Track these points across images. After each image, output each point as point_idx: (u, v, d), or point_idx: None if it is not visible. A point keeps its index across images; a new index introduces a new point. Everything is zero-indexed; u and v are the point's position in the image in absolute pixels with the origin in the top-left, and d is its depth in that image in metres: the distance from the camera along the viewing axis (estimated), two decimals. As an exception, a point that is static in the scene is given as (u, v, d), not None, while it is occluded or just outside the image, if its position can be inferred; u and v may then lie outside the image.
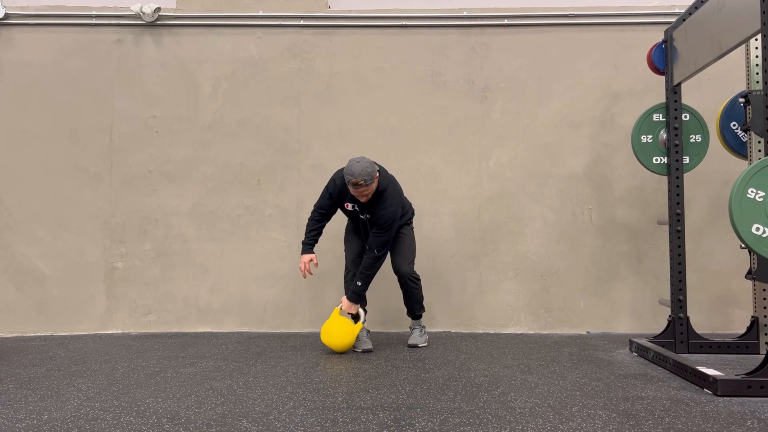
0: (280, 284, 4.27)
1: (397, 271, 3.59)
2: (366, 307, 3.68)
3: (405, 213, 3.65)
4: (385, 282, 3.98)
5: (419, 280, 3.65)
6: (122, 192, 4.30)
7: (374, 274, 3.49)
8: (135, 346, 3.70)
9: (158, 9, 4.30)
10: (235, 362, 3.19)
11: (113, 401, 2.44)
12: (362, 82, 4.29)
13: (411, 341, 3.63)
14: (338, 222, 4.22)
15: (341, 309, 3.48)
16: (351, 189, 3.34)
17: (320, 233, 3.65)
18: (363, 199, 3.41)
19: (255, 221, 4.30)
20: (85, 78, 4.33)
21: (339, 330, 3.41)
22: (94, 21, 4.34)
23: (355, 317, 3.51)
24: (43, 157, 4.29)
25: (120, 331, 4.23)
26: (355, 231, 3.68)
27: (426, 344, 3.64)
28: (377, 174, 3.37)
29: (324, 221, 3.64)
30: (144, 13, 4.28)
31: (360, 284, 3.46)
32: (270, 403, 2.39)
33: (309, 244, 3.61)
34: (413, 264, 3.64)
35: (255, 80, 4.34)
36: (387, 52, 4.32)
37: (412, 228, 3.73)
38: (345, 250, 3.71)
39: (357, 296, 3.49)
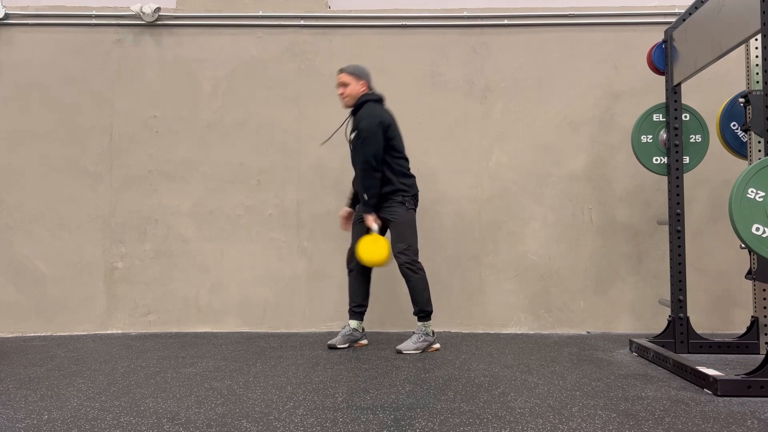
0: (280, 284, 4.27)
1: (395, 259, 3.51)
2: (367, 302, 3.67)
3: (395, 189, 3.51)
4: (384, 282, 3.99)
5: (417, 271, 3.47)
6: (122, 192, 4.30)
7: (369, 186, 3.45)
8: (135, 346, 3.70)
9: (158, 9, 4.30)
10: (235, 362, 3.19)
11: (113, 401, 2.44)
12: (362, 82, 4.30)
13: (399, 345, 3.47)
14: (339, 222, 4.22)
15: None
16: (337, 78, 3.60)
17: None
18: (339, 91, 3.59)
19: (255, 221, 4.30)
20: (85, 78, 4.33)
21: (376, 245, 3.40)
22: (94, 21, 4.34)
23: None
24: (43, 157, 4.29)
25: (120, 331, 4.23)
26: (360, 223, 3.63)
27: (416, 352, 3.42)
28: (363, 81, 3.57)
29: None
30: (144, 13, 4.29)
31: (366, 198, 3.47)
32: (270, 403, 2.39)
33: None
34: (410, 251, 3.48)
35: (255, 80, 4.34)
36: (387, 52, 4.32)
37: (407, 210, 3.52)
38: (351, 241, 3.68)
39: (366, 208, 3.48)
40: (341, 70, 3.59)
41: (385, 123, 3.49)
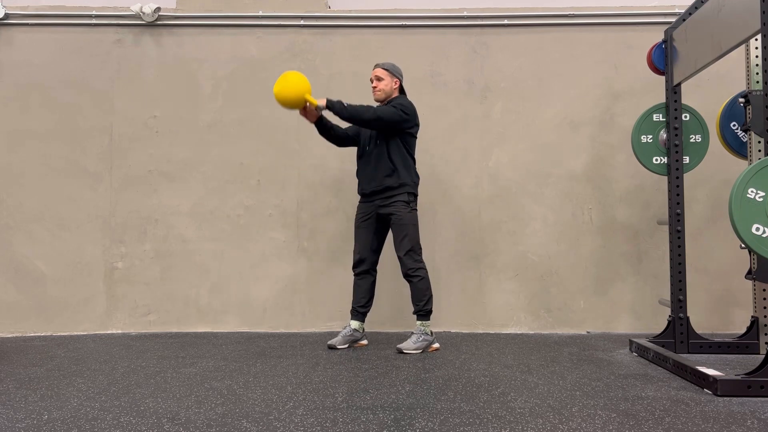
0: (280, 284, 4.27)
1: (399, 261, 3.53)
2: (371, 303, 3.67)
3: (401, 184, 3.53)
4: (384, 282, 3.99)
5: (420, 272, 3.48)
6: (122, 192, 4.30)
7: (359, 117, 3.45)
8: (135, 346, 3.70)
9: (158, 9, 4.30)
10: (235, 362, 3.19)
11: (113, 401, 2.44)
12: (362, 82, 4.28)
13: (399, 344, 3.47)
14: (342, 223, 4.23)
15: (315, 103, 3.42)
16: (372, 72, 3.63)
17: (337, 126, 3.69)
18: (373, 84, 3.61)
19: (255, 221, 4.30)
20: (85, 78, 4.33)
21: (294, 82, 3.32)
22: (94, 21, 4.35)
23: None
24: (43, 157, 4.29)
25: (120, 331, 4.23)
26: (364, 224, 3.65)
27: (417, 351, 3.41)
28: (397, 79, 3.62)
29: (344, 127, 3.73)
30: (144, 13, 4.29)
31: (346, 105, 3.44)
32: (270, 403, 2.39)
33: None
34: (413, 253, 3.48)
35: (255, 80, 4.34)
36: (387, 52, 4.31)
37: (411, 210, 3.53)
38: (354, 243, 3.68)
39: (332, 104, 3.44)
40: (377, 65, 3.65)
41: (415, 117, 3.61)
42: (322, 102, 3.45)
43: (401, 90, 3.68)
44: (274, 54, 4.35)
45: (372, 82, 3.65)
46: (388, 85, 3.62)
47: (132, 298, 4.26)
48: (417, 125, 3.62)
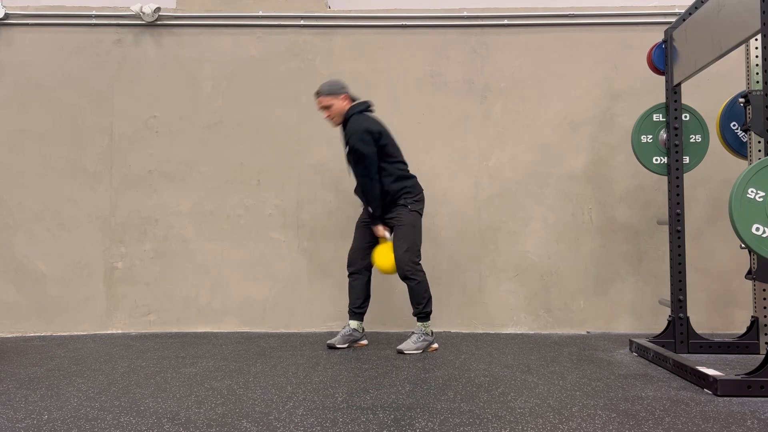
0: (280, 284, 4.27)
1: (396, 261, 3.51)
2: (367, 303, 3.68)
3: (397, 196, 3.50)
4: (384, 281, 3.99)
5: (416, 273, 3.47)
6: (122, 192, 4.30)
7: (371, 197, 3.49)
8: (135, 346, 3.70)
9: (158, 9, 4.30)
10: (235, 362, 3.19)
11: (113, 401, 2.44)
12: (362, 82, 4.27)
13: (399, 345, 3.47)
14: (342, 223, 4.23)
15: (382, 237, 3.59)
16: (317, 103, 3.58)
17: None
18: (325, 115, 3.56)
19: (255, 221, 4.30)
20: (85, 78, 4.33)
21: (389, 253, 3.54)
22: (94, 21, 4.34)
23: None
24: (43, 157, 4.29)
25: (120, 331, 4.23)
26: (363, 224, 3.64)
27: (417, 352, 3.42)
28: (343, 95, 3.52)
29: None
30: (144, 13, 4.29)
31: (370, 210, 3.54)
32: (270, 403, 2.39)
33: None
34: (410, 254, 3.46)
35: (255, 80, 4.34)
36: (387, 52, 4.32)
37: (410, 212, 3.51)
38: (352, 242, 3.69)
39: (374, 218, 3.54)
40: (317, 94, 3.54)
41: (374, 132, 3.47)
42: (387, 232, 3.54)
43: (350, 99, 3.57)
44: (274, 54, 4.35)
45: (323, 113, 3.57)
46: (336, 107, 3.52)
47: (132, 298, 4.26)
48: (381, 135, 3.49)
